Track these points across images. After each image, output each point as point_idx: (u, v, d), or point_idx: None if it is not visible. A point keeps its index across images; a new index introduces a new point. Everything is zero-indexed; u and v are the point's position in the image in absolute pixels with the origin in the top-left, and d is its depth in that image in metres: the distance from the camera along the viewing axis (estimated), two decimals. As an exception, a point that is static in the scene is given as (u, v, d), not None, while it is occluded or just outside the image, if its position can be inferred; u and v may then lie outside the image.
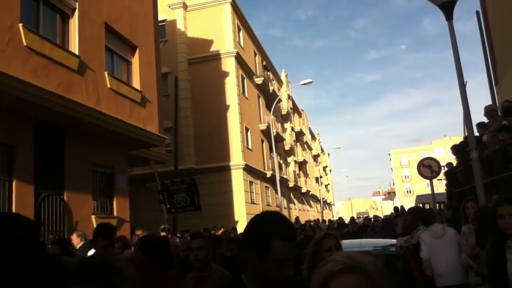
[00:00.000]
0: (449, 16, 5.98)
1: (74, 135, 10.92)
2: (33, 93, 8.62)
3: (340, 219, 26.62)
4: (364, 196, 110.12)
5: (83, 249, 6.86)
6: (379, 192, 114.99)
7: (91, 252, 5.58)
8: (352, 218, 18.77)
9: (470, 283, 5.12)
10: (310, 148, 56.48)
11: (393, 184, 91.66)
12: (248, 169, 24.77)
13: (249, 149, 26.29)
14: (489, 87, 13.28)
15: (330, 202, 72.26)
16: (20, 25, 8.64)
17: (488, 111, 9.13)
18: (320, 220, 25.64)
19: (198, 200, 6.90)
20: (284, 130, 38.68)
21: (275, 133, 27.17)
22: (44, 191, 9.90)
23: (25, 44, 8.71)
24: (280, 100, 34.22)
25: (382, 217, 20.95)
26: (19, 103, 8.62)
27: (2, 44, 8.14)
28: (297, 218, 23.07)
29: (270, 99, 31.39)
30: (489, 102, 12.27)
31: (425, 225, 5.71)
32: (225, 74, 24.83)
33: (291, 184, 37.15)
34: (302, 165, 45.96)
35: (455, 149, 11.70)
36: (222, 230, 13.44)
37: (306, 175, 49.78)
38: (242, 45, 27.71)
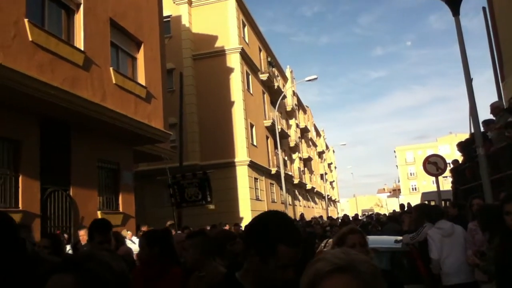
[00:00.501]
0: (456, 12, 5.94)
1: (80, 130, 10.96)
2: (38, 88, 8.65)
3: (345, 216, 26.52)
4: (369, 193, 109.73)
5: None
6: (384, 189, 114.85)
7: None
8: (355, 215, 18.69)
9: (477, 280, 5.08)
10: (315, 145, 56.40)
11: (398, 181, 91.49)
12: (253, 165, 24.78)
13: (254, 145, 26.28)
14: (495, 84, 13.18)
15: (335, 199, 72.16)
16: (26, 20, 8.66)
17: (494, 108, 9.07)
18: (324, 218, 25.57)
19: (210, 194, 6.91)
20: (289, 126, 38.64)
21: (280, 130, 27.11)
22: (50, 186, 9.97)
23: (30, 39, 8.73)
24: (285, 97, 34.14)
25: (385, 214, 20.82)
26: (25, 98, 8.65)
27: (7, 40, 8.16)
28: (302, 215, 23.09)
29: (275, 95, 31.34)
30: (495, 99, 12.17)
31: (431, 222, 5.67)
32: (230, 70, 24.81)
33: (296, 181, 37.11)
34: (307, 161, 45.92)
35: (461, 146, 11.63)
36: (227, 227, 13.47)
37: (311, 172, 49.72)
38: (247, 41, 27.65)
